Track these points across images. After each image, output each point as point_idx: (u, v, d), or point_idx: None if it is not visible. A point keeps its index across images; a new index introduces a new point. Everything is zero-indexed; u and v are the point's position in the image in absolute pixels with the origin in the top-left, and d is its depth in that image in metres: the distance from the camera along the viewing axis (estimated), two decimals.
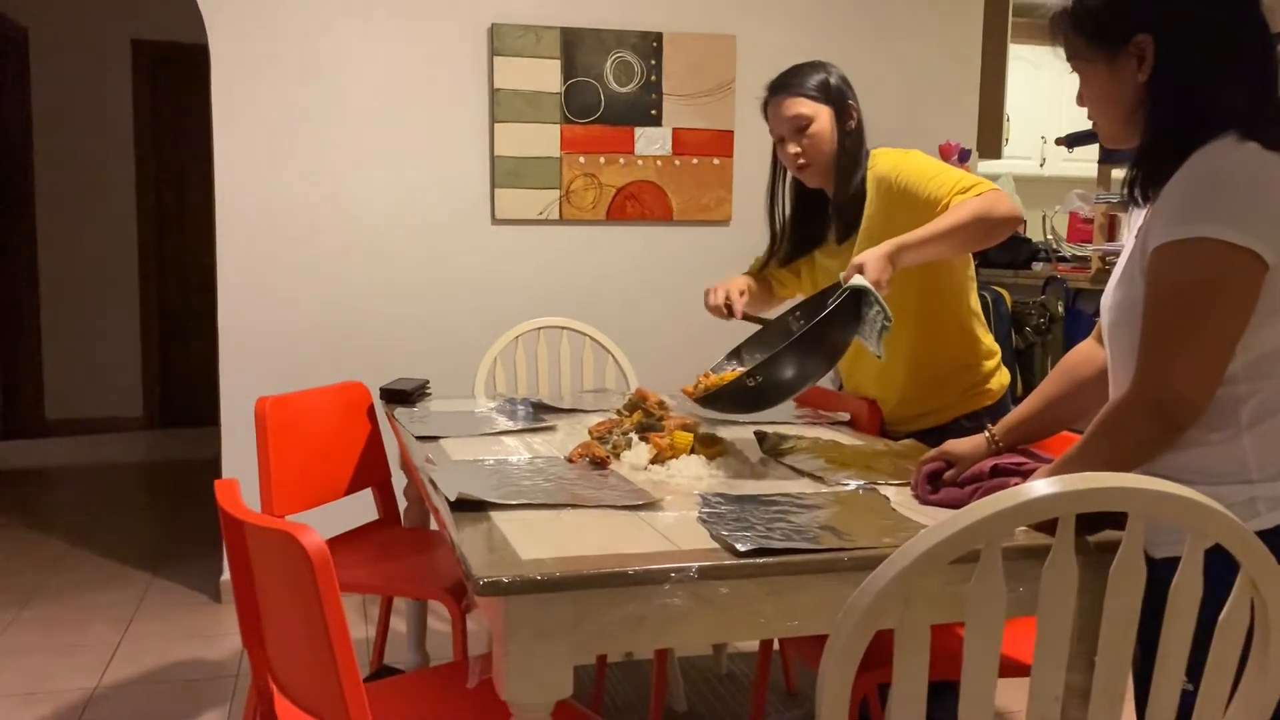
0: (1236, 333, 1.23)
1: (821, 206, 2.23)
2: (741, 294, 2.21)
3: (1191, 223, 1.23)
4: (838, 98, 2.11)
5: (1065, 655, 1.00)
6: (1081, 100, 1.42)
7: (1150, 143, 1.33)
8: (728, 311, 2.19)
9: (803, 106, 2.09)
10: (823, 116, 2.09)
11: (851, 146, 2.11)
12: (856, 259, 1.87)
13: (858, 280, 1.81)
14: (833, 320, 1.80)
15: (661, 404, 2.09)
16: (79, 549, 4.05)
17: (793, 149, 2.12)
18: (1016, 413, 1.66)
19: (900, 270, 1.89)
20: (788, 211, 2.29)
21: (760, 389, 1.84)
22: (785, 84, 2.12)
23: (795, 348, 1.80)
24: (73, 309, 6.06)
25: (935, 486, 1.61)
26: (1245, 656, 1.05)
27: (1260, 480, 1.26)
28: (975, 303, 2.19)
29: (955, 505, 1.52)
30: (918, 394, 2.19)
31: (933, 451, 1.68)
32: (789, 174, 2.24)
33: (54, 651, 3.09)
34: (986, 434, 1.65)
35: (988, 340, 2.22)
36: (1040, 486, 0.95)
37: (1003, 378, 2.22)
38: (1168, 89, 1.30)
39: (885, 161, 2.11)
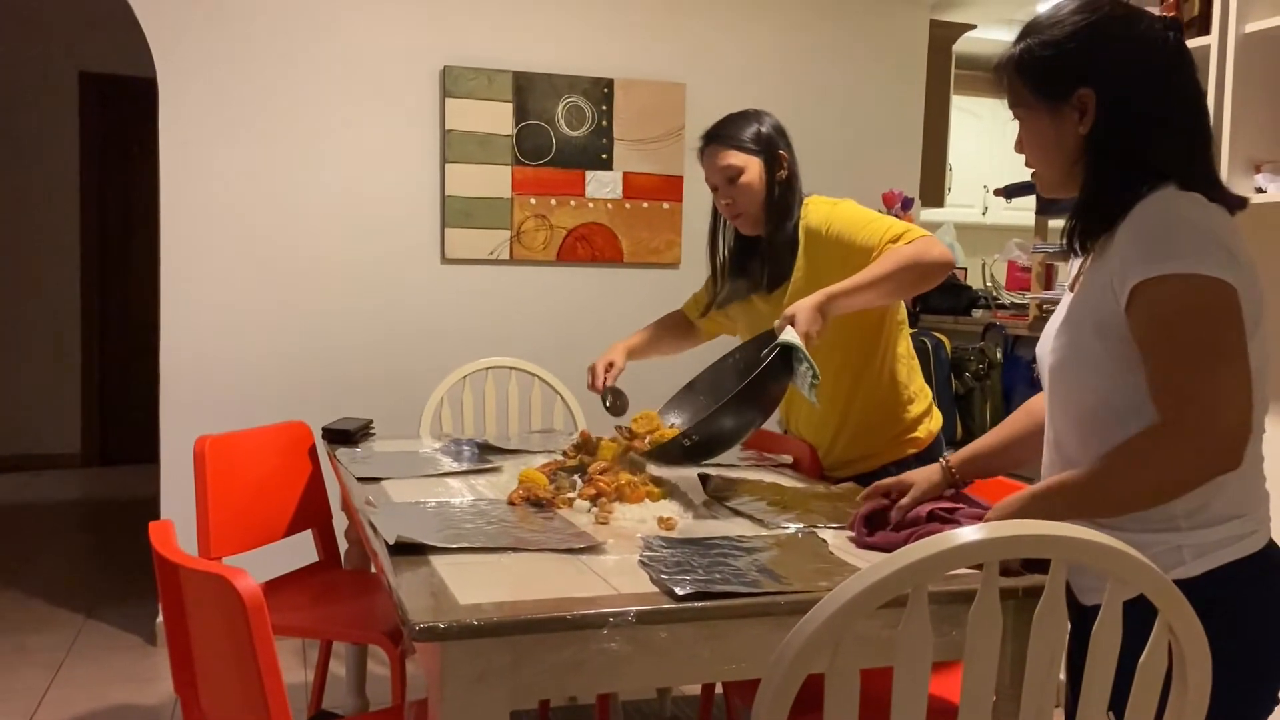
0: (1248, 356, 1.22)
1: (758, 253, 2.25)
2: (609, 366, 2.38)
3: (1169, 259, 1.23)
4: (769, 148, 2.15)
5: (991, 698, 1.02)
6: (1020, 147, 1.46)
7: (1089, 195, 1.36)
8: (595, 383, 2.37)
9: (733, 158, 2.14)
10: (753, 167, 2.14)
11: (782, 195, 2.15)
12: (788, 310, 1.91)
13: (787, 336, 1.86)
14: (764, 376, 1.86)
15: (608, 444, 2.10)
16: (9, 589, 3.93)
17: (724, 199, 2.18)
18: (976, 445, 1.66)
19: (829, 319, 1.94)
20: (728, 255, 2.34)
21: (698, 446, 1.92)
22: (717, 135, 2.18)
23: (729, 406, 1.86)
24: (11, 343, 5.93)
25: (871, 529, 1.64)
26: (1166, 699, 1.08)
27: (1187, 529, 1.29)
28: (906, 347, 2.22)
29: (890, 548, 1.54)
30: (847, 440, 2.22)
31: (888, 481, 1.68)
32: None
33: None
34: (942, 461, 1.65)
35: (915, 384, 2.23)
36: (967, 533, 0.98)
37: (933, 424, 2.24)
38: (1107, 143, 1.34)
39: (817, 211, 2.15)
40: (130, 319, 6.12)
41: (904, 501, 1.62)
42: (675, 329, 2.52)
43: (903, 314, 2.22)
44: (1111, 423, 1.31)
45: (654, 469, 2.10)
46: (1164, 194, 1.29)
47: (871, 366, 2.17)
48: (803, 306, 1.89)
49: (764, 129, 2.16)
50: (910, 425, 2.20)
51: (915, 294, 2.01)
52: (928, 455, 2.19)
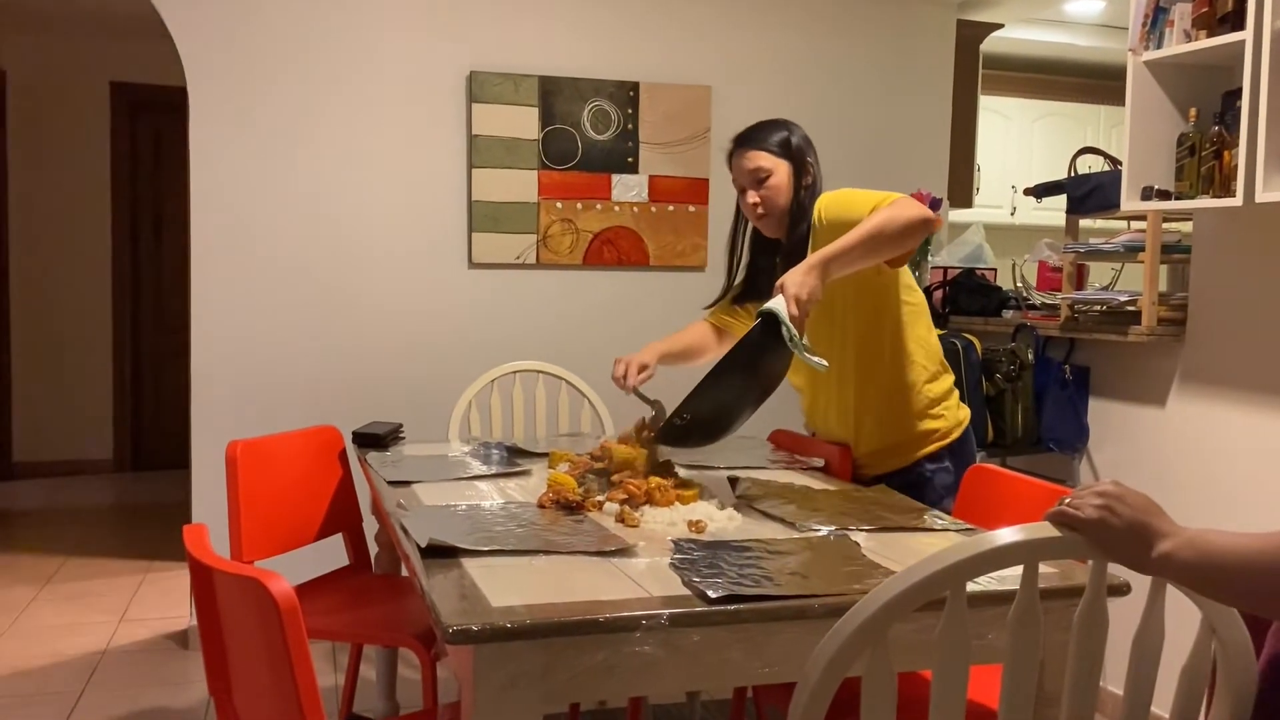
0: None
1: (778, 254, 2.27)
2: (642, 369, 2.36)
3: None
4: (798, 155, 2.21)
5: (1032, 701, 1.00)
6: None
7: None
8: (625, 382, 2.35)
9: (763, 160, 2.19)
10: (781, 171, 2.19)
11: (805, 201, 2.20)
12: (781, 278, 1.92)
13: (771, 304, 1.87)
14: (746, 344, 1.89)
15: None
16: (44, 594, 3.98)
17: (752, 199, 2.22)
18: None
19: (835, 310, 2.07)
20: (746, 257, 2.38)
21: (698, 424, 1.96)
22: (749, 138, 2.23)
23: (714, 379, 1.89)
24: (45, 350, 6.01)
25: None
26: None
27: None
28: (924, 332, 2.22)
29: None
30: (872, 424, 2.22)
31: None
32: (750, 223, 2.32)
33: (17, 699, 3.02)
34: None
35: (936, 364, 2.23)
36: (1005, 534, 0.97)
37: (960, 412, 2.25)
38: None
39: (819, 205, 2.18)
40: (161, 325, 6.19)
41: None
42: (705, 335, 2.51)
43: (917, 298, 2.22)
44: None
45: (683, 471, 2.10)
46: None
47: (881, 351, 2.18)
48: (792, 272, 1.92)
49: (794, 138, 2.22)
50: (933, 401, 2.20)
51: (901, 250, 2.03)
52: (961, 448, 2.19)
